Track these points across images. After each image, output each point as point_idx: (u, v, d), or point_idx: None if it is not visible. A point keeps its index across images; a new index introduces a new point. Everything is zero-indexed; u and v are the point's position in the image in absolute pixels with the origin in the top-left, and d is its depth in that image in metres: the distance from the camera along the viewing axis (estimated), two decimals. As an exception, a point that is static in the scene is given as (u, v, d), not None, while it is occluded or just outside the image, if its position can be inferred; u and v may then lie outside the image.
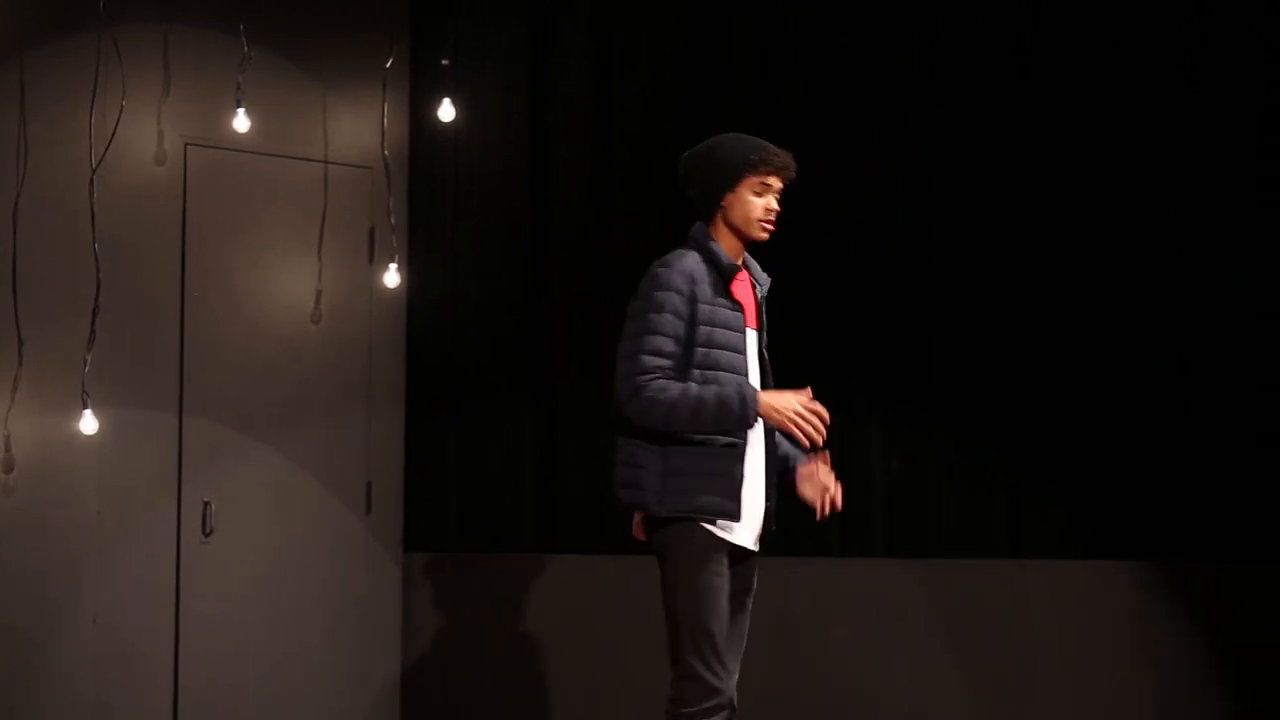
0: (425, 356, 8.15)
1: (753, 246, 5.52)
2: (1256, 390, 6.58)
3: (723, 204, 5.41)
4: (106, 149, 7.28)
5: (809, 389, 5.30)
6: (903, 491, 7.21)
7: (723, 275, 5.36)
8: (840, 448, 7.21)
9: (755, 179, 5.38)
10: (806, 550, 7.06)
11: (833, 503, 5.47)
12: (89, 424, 7.18)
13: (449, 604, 8.02)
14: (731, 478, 5.29)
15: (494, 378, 8.01)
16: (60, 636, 7.20)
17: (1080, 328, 6.88)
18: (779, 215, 5.42)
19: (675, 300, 5.27)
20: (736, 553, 5.41)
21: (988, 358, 7.03)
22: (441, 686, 8.01)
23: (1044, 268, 6.94)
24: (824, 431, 5.27)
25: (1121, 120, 6.81)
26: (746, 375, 5.36)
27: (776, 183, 5.40)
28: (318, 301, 7.89)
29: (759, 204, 5.39)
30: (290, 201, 7.85)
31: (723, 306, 5.33)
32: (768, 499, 5.46)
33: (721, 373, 5.29)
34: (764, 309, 5.54)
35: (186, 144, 7.57)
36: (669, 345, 5.26)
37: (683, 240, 5.45)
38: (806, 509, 5.52)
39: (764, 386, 5.42)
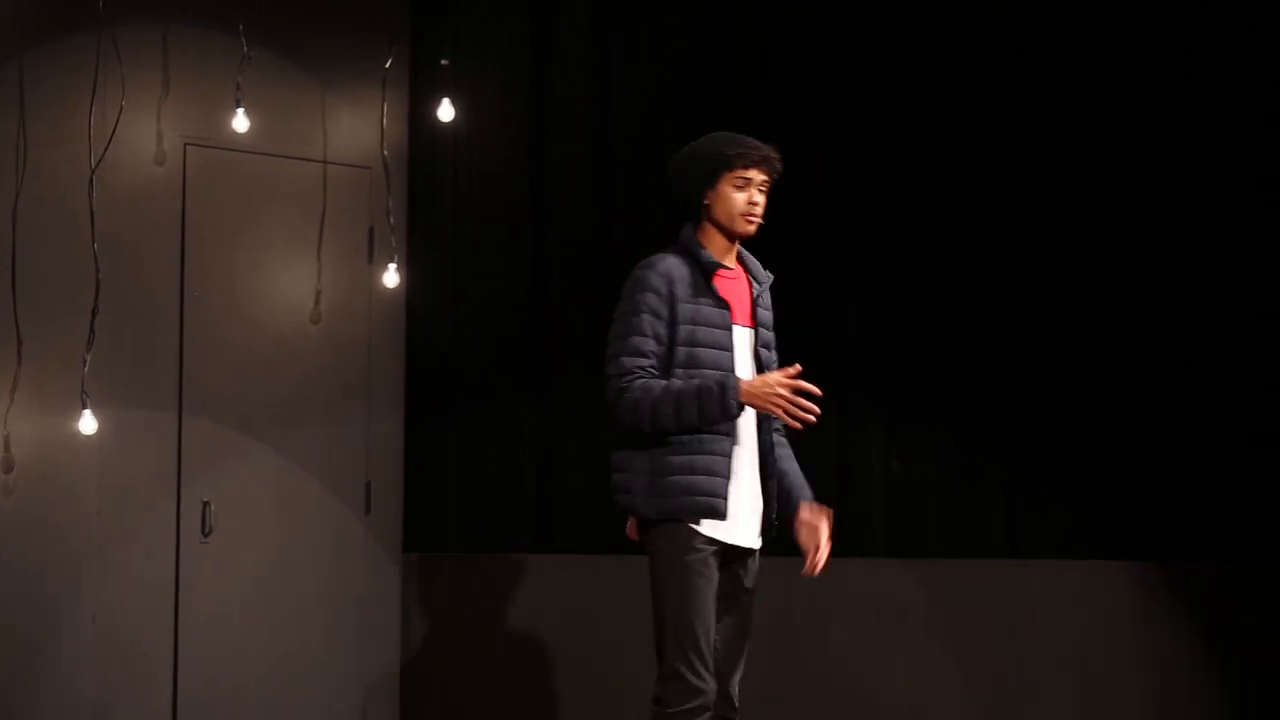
0: (425, 356, 8.15)
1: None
2: (1256, 390, 6.57)
3: (706, 203, 5.45)
4: (106, 149, 7.28)
5: (797, 366, 5.30)
6: (903, 491, 7.21)
7: (704, 273, 5.39)
8: (840, 448, 7.26)
9: (734, 174, 5.41)
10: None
11: (819, 561, 5.50)
12: (88, 424, 7.18)
13: (449, 604, 8.02)
14: (717, 477, 5.32)
15: (494, 378, 8.01)
16: (60, 636, 7.20)
17: (1080, 328, 6.87)
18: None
19: (652, 300, 5.33)
20: (732, 552, 5.42)
21: (988, 358, 7.02)
22: (441, 686, 8.01)
23: (1044, 268, 6.94)
24: (813, 408, 5.25)
25: (1121, 120, 6.80)
26: (733, 369, 5.37)
27: (758, 176, 5.43)
28: (317, 301, 7.89)
29: (740, 199, 5.42)
30: (290, 201, 7.85)
31: (705, 305, 5.36)
32: (769, 498, 5.47)
33: (706, 370, 5.32)
34: (762, 306, 5.55)
35: (186, 144, 7.58)
36: (649, 345, 5.31)
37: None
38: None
39: None
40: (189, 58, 7.56)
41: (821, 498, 7.13)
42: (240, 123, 7.55)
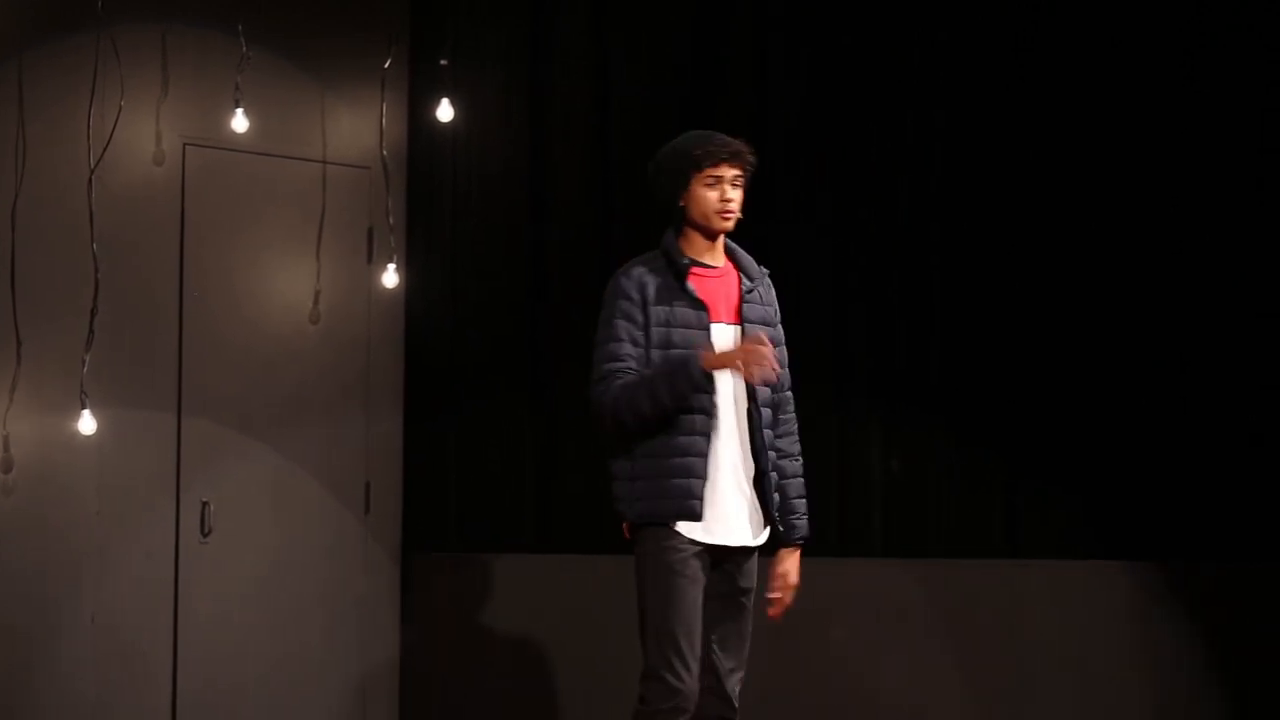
0: (424, 356, 8.15)
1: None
2: (1256, 390, 6.57)
3: (682, 205, 5.50)
4: (105, 149, 7.28)
5: (760, 334, 5.34)
6: (902, 491, 7.21)
7: (677, 275, 5.42)
8: (840, 448, 7.26)
9: (704, 174, 5.45)
10: (806, 550, 7.03)
11: (780, 604, 5.61)
12: (88, 424, 7.17)
13: (448, 604, 8.02)
14: (694, 478, 5.35)
15: (493, 378, 8.00)
16: (59, 636, 7.20)
17: (1080, 328, 6.88)
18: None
19: (625, 306, 5.42)
20: (724, 552, 5.43)
21: (988, 358, 7.03)
22: (441, 686, 8.00)
23: (1044, 268, 6.94)
24: (771, 361, 5.29)
25: (1121, 120, 6.81)
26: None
27: (728, 171, 5.46)
28: (316, 302, 7.89)
29: (713, 197, 5.46)
30: (289, 202, 7.85)
31: (681, 306, 5.41)
32: (767, 498, 5.47)
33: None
34: (754, 301, 5.54)
35: (185, 144, 7.57)
36: (624, 349, 5.38)
37: None
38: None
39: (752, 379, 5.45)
40: (188, 58, 7.56)
41: (821, 498, 7.17)
42: (239, 123, 7.54)
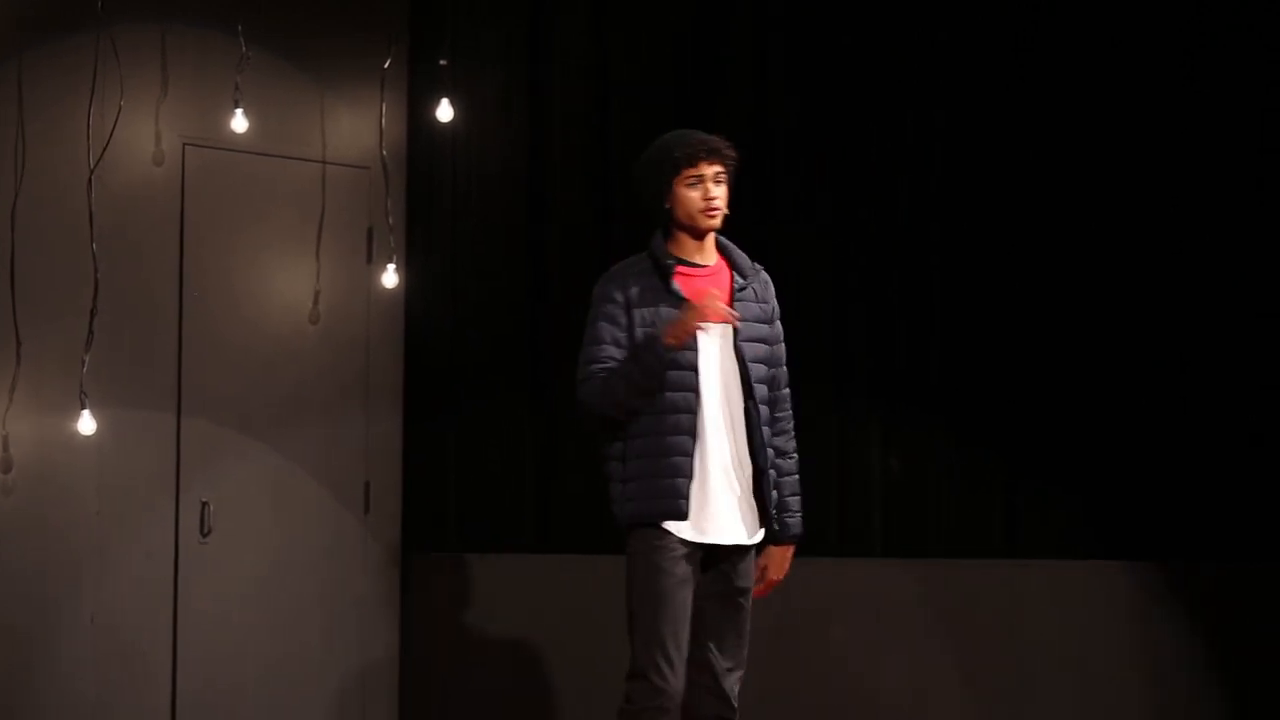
0: (424, 356, 8.14)
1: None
2: (1256, 390, 6.58)
3: (667, 207, 5.51)
4: (104, 149, 7.26)
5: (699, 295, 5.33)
6: (902, 491, 7.22)
7: (663, 275, 5.43)
8: (840, 448, 7.26)
9: (684, 175, 5.47)
10: (806, 550, 7.02)
11: (768, 586, 5.66)
12: (87, 424, 7.16)
13: (448, 604, 8.01)
14: (679, 478, 5.37)
15: (493, 378, 8.00)
16: (59, 636, 7.19)
17: (1080, 328, 6.88)
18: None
19: (609, 309, 5.46)
20: (718, 551, 5.44)
21: (987, 358, 7.03)
22: (440, 687, 8.00)
23: (1044, 268, 6.95)
24: (718, 308, 5.28)
25: (1121, 120, 6.82)
26: (696, 368, 5.41)
27: (708, 169, 5.47)
28: (316, 302, 7.88)
29: (695, 196, 5.47)
30: (288, 202, 7.84)
31: (666, 306, 5.42)
32: (763, 496, 5.47)
33: (668, 371, 5.36)
34: (747, 299, 5.54)
35: (185, 144, 7.56)
36: (606, 350, 5.42)
37: None
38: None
39: (744, 377, 5.46)
40: (188, 58, 7.55)
41: (821, 498, 7.18)
42: (239, 123, 7.52)
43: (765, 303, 5.61)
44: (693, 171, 5.45)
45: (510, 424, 7.93)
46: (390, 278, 7.94)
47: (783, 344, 5.65)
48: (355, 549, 7.95)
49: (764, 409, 5.50)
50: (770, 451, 5.51)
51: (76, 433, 7.17)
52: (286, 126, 7.81)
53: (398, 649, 8.04)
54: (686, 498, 5.36)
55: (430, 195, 8.15)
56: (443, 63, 7.99)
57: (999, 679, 6.95)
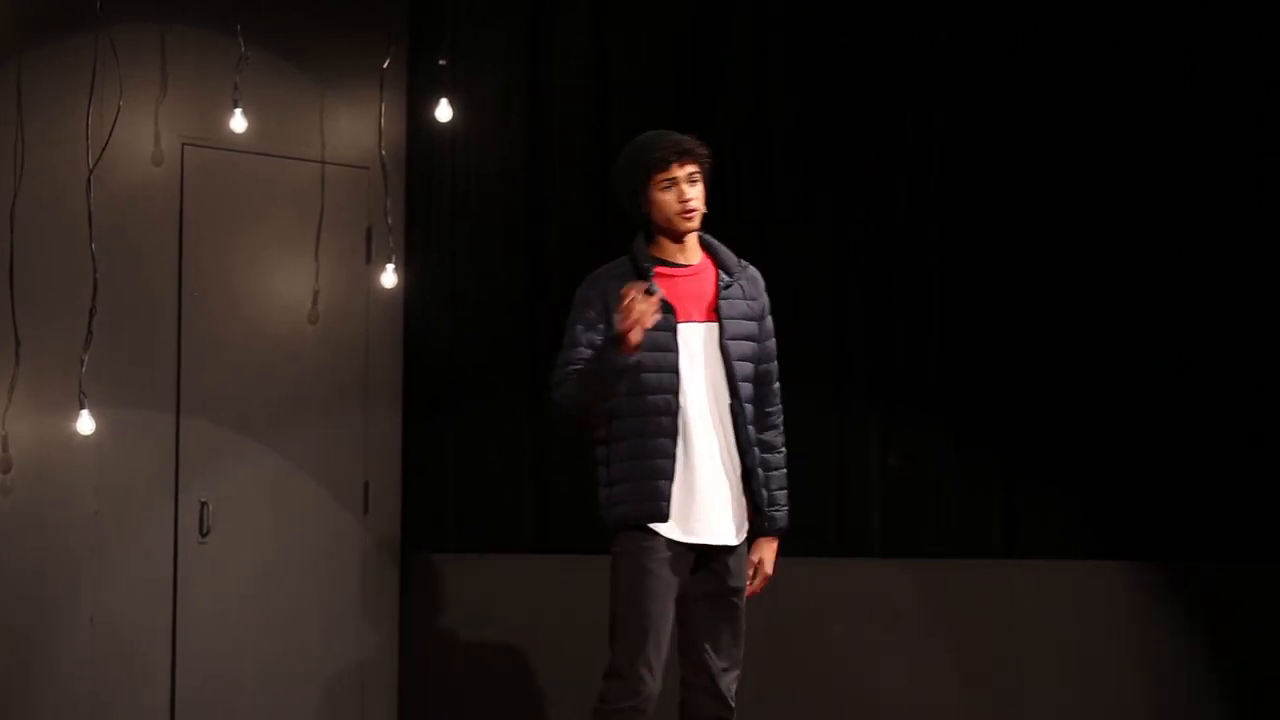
0: (423, 357, 8.14)
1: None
2: (1256, 390, 6.58)
3: (644, 212, 5.52)
4: (104, 149, 7.27)
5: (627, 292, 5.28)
6: (901, 491, 7.21)
7: (641, 277, 5.44)
8: (839, 448, 7.26)
9: (657, 179, 5.47)
10: (805, 550, 7.05)
11: (750, 591, 5.62)
12: (86, 424, 7.16)
13: (447, 604, 8.01)
14: (660, 479, 5.37)
15: (492, 378, 8.00)
16: (58, 636, 7.19)
17: (1079, 328, 6.88)
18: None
19: (586, 312, 5.47)
20: (707, 552, 5.44)
21: (987, 358, 7.03)
22: (440, 686, 8.00)
23: (1043, 268, 6.95)
24: (632, 310, 5.20)
25: (1121, 120, 6.81)
26: (676, 369, 5.41)
27: (680, 171, 5.47)
28: (315, 302, 7.88)
29: (670, 199, 5.47)
30: (287, 202, 7.84)
31: None
32: (752, 494, 5.47)
33: (646, 371, 5.37)
34: (733, 297, 5.52)
35: (184, 144, 7.56)
36: (578, 353, 5.43)
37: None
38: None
39: (730, 376, 5.46)
40: (187, 58, 7.55)
41: (820, 498, 7.18)
42: (238, 123, 7.53)
43: (754, 299, 5.59)
44: (665, 175, 5.45)
45: (509, 424, 7.93)
46: (389, 278, 7.95)
47: (773, 340, 5.64)
48: (354, 549, 7.95)
49: (749, 407, 5.49)
50: (756, 449, 5.50)
51: (75, 433, 7.17)
52: (286, 126, 7.81)
53: (396, 649, 8.04)
54: (668, 499, 5.36)
55: (429, 195, 8.16)
56: (442, 63, 7.99)
57: (998, 679, 6.94)
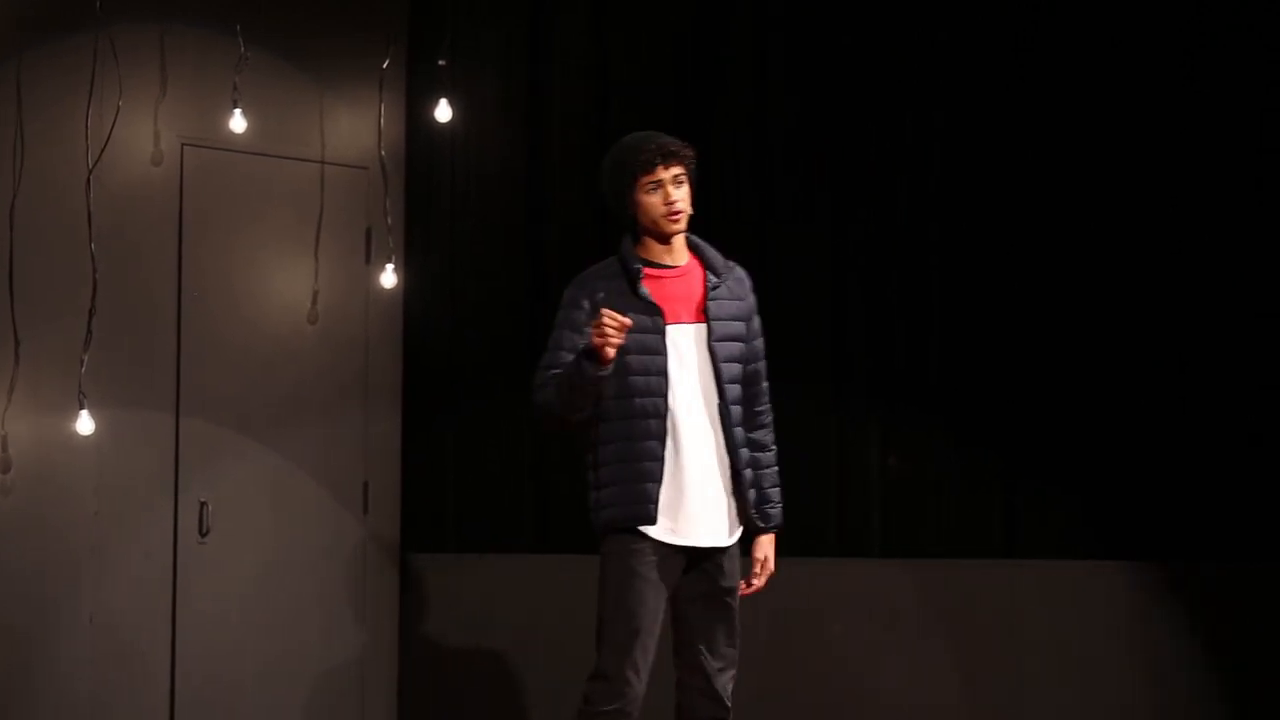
0: (423, 357, 8.15)
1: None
2: (1256, 390, 6.58)
3: (631, 214, 5.52)
4: (103, 149, 7.27)
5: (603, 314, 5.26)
6: (901, 491, 7.21)
7: (630, 279, 5.43)
8: (839, 448, 7.25)
9: (641, 181, 5.46)
10: (805, 550, 7.05)
11: (754, 589, 5.64)
12: (86, 424, 7.16)
13: (447, 604, 8.01)
14: (648, 482, 5.37)
15: (492, 378, 8.00)
16: (58, 636, 7.19)
17: (1079, 328, 6.88)
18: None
19: (573, 315, 5.47)
20: (698, 553, 5.44)
21: (987, 358, 7.03)
22: (439, 686, 8.00)
23: (1043, 268, 6.94)
24: (605, 331, 5.19)
25: (1121, 120, 6.81)
26: (665, 372, 5.39)
27: (665, 173, 5.46)
28: (314, 302, 7.88)
29: (656, 201, 5.46)
30: (287, 202, 7.84)
31: (634, 309, 5.37)
32: (742, 494, 5.47)
33: (634, 374, 5.36)
34: (722, 298, 5.51)
35: (183, 144, 7.56)
36: (561, 356, 5.43)
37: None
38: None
39: (718, 377, 5.45)
40: (186, 58, 7.55)
41: (820, 498, 7.18)
42: (237, 123, 7.53)
43: (741, 300, 5.58)
44: (650, 178, 5.44)
45: (509, 424, 7.93)
46: (389, 278, 7.95)
47: (761, 339, 5.64)
48: (354, 549, 7.95)
49: (736, 409, 5.48)
50: (745, 451, 5.50)
51: (75, 433, 7.17)
52: (285, 127, 7.81)
53: (396, 649, 8.04)
54: (655, 502, 5.35)
55: (429, 195, 8.16)
56: (442, 63, 7.99)
57: (998, 679, 6.94)
